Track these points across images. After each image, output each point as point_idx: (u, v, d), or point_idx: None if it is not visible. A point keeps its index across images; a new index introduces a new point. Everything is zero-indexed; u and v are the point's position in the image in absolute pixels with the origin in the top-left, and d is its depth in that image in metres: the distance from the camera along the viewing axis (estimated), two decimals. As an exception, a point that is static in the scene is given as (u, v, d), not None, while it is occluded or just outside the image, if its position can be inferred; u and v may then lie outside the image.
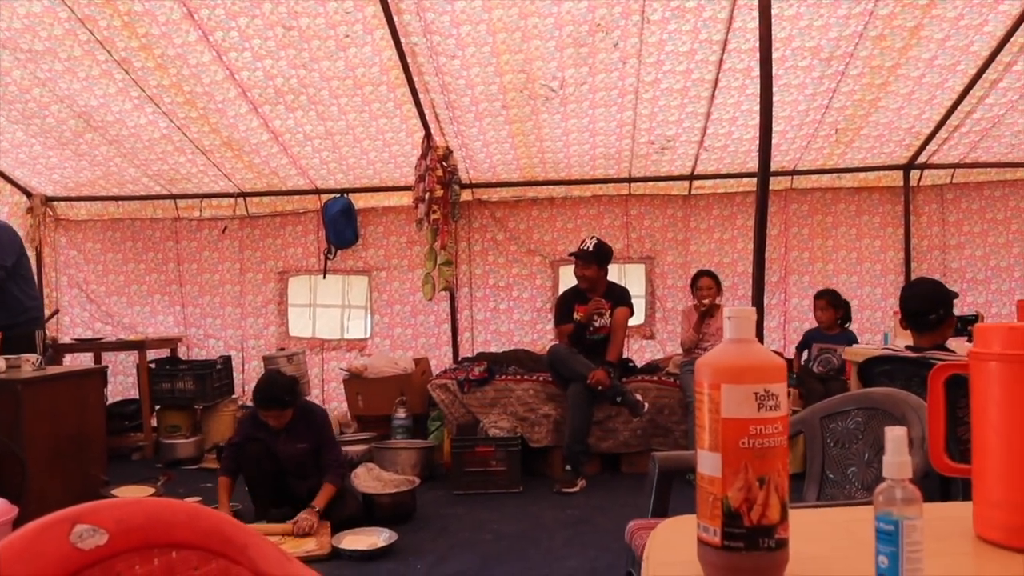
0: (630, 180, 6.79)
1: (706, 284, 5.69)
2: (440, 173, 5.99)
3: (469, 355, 6.76)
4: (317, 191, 6.91)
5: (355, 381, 6.13)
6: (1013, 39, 4.92)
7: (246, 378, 7.00)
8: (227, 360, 6.75)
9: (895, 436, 0.74)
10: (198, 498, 4.48)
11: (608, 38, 4.92)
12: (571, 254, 5.50)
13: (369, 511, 4.23)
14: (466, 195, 6.83)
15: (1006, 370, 0.92)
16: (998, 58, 5.11)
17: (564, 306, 5.65)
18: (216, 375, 6.40)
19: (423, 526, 4.23)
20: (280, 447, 4.16)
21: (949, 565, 0.90)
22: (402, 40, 4.89)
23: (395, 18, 4.70)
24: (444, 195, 6.11)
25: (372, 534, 3.90)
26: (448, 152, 6.11)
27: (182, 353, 7.07)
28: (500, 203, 7.04)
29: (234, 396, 6.65)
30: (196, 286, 7.25)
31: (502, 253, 7.04)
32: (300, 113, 5.69)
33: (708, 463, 0.82)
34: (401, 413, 5.82)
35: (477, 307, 7.06)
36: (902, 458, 0.74)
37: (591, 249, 5.39)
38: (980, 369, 0.95)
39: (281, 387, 4.14)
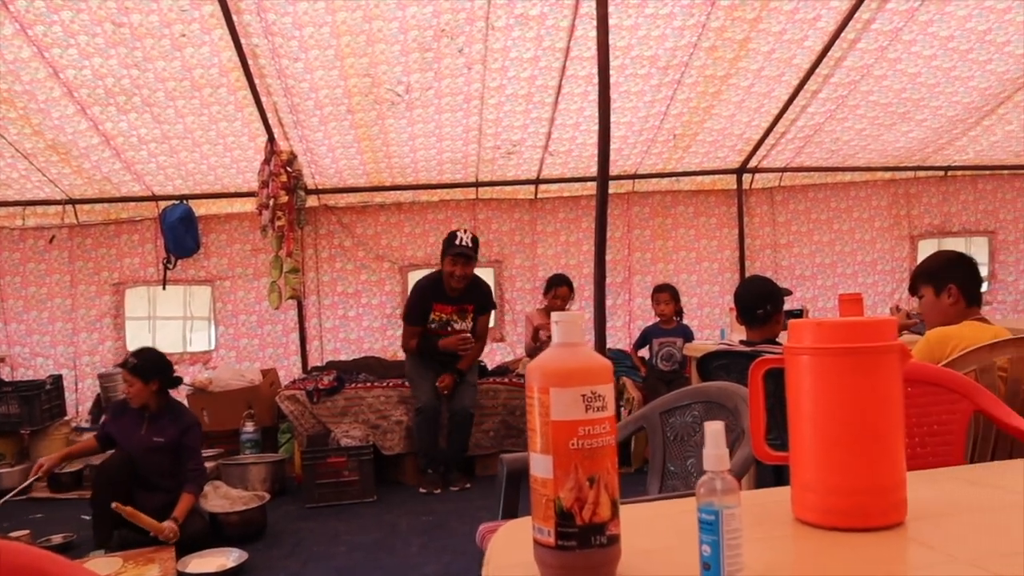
0: (477, 184, 6.85)
1: (563, 294, 5.86)
2: (284, 178, 5.83)
3: (319, 364, 6.62)
4: (154, 197, 6.58)
5: (200, 396, 5.88)
6: (830, 53, 5.28)
7: (80, 398, 6.60)
8: (57, 380, 6.31)
9: (713, 431, 0.78)
10: (26, 531, 4.18)
11: (453, 43, 4.94)
12: (451, 253, 5.04)
13: (217, 531, 4.06)
14: (312, 201, 6.68)
15: (815, 363, 0.99)
16: (817, 71, 5.47)
17: (420, 303, 5.24)
18: (45, 396, 5.98)
19: (275, 543, 4.11)
20: (139, 436, 4.05)
21: (769, 548, 0.95)
22: (242, 41, 4.74)
23: (235, 18, 4.54)
24: (289, 201, 5.95)
25: (220, 555, 3.75)
26: (292, 157, 5.96)
27: (5, 374, 6.54)
28: (347, 209, 6.94)
29: (66, 418, 6.23)
30: (20, 301, 6.74)
31: (350, 259, 6.94)
32: (134, 115, 5.40)
33: (540, 465, 0.83)
34: (249, 427, 5.63)
35: (326, 315, 6.93)
36: (720, 451, 0.78)
37: (470, 245, 5.07)
38: (794, 362, 1.01)
39: (142, 354, 4.16)
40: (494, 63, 5.16)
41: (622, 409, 5.59)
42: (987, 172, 7.42)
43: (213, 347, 6.90)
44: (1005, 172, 7.44)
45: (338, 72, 5.09)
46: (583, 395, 0.81)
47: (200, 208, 6.65)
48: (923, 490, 1.14)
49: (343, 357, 6.72)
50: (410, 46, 4.91)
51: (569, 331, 0.84)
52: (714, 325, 6.90)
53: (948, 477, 1.28)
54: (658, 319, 6.02)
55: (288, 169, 5.89)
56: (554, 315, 0.85)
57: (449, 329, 5.22)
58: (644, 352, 6.04)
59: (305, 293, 6.74)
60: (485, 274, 6.98)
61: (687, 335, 5.79)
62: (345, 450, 4.99)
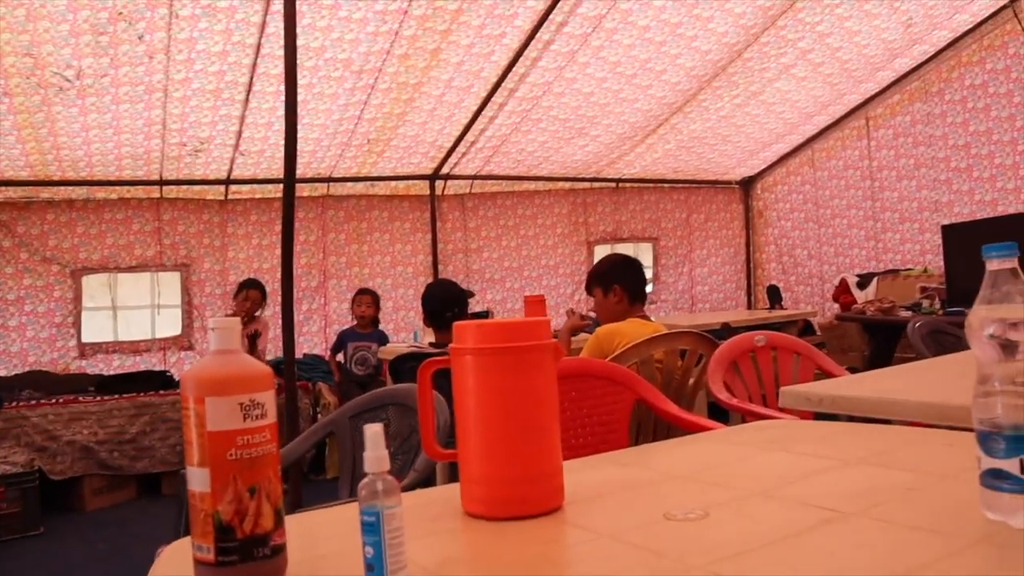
0: (161, 183, 6.40)
1: (254, 296, 5.68)
2: (-77, 169, 5.07)
3: (-29, 381, 5.83)
4: None
5: None
6: (515, 69, 5.59)
7: None
8: None
9: (372, 433, 0.79)
10: None
11: (132, 29, 4.58)
12: None
13: None
14: (-40, 196, 5.87)
15: (477, 362, 1.04)
16: (503, 84, 5.77)
17: None
18: None
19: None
20: None
21: (439, 542, 0.98)
22: None
23: None
24: (-71, 195, 5.18)
25: None
26: (-67, 145, 5.19)
27: None
28: (6, 204, 6.16)
29: None
30: None
31: (10, 262, 6.16)
32: None
33: (197, 479, 0.80)
34: None
35: (-21, 325, 6.11)
36: (380, 452, 0.79)
37: None
38: (459, 363, 1.06)
39: None
40: (179, 54, 4.85)
41: (319, 415, 5.52)
42: (651, 185, 8.28)
43: None
44: (665, 185, 8.35)
45: (-10, 50, 4.52)
46: (241, 403, 0.79)
47: None
48: (583, 475, 1.24)
49: (3, 373, 5.96)
50: (81, 27, 4.48)
51: (225, 337, 0.82)
52: (408, 328, 7.02)
53: (605, 461, 1.41)
54: (355, 323, 6.02)
55: (-73, 159, 5.13)
56: (210, 321, 0.82)
57: None
58: (342, 356, 6.02)
59: (-49, 301, 5.90)
60: (170, 278, 6.56)
61: (382, 339, 5.86)
62: (3, 478, 4.44)
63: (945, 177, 6.63)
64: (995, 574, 0.76)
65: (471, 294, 3.72)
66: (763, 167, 8.37)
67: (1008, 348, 0.84)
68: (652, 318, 3.31)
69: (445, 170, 7.11)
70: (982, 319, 0.86)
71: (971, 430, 0.89)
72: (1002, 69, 6.12)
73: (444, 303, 3.47)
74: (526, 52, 5.41)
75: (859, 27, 5.84)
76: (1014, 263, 0.87)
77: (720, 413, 3.38)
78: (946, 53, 6.45)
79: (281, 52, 4.94)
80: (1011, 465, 0.83)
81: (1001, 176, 6.20)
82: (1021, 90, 5.92)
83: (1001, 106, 6.16)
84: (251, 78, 5.21)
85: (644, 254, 8.19)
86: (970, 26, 6.17)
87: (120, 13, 4.44)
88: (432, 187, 7.28)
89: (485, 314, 5.21)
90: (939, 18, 5.94)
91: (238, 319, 0.84)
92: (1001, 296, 0.87)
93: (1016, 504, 0.83)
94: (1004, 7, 5.54)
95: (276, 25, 4.74)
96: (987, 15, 6.01)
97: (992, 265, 0.88)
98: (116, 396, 5.32)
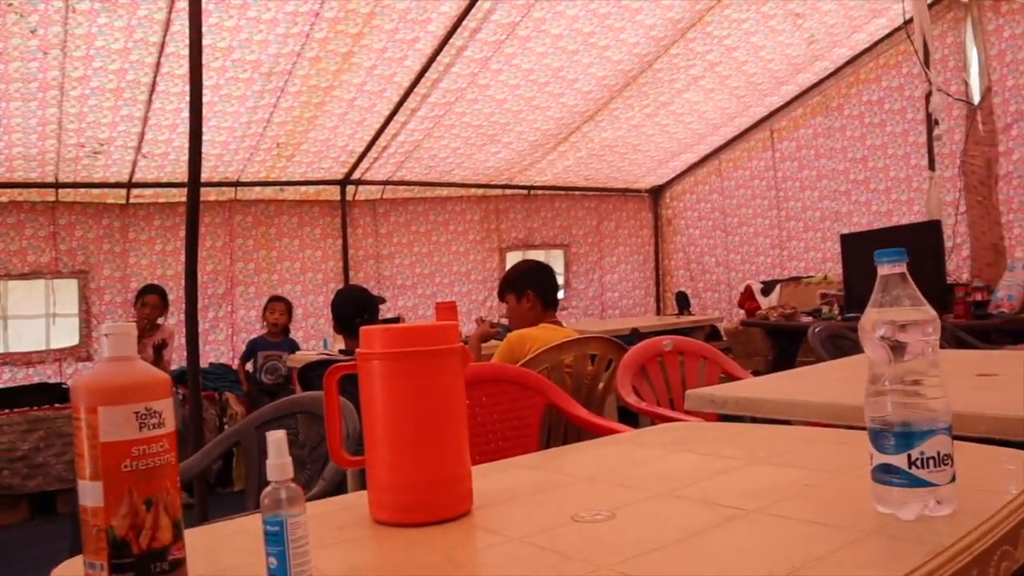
0: (57, 186, 6.13)
1: (152, 301, 5.50)
2: None
3: None
4: None
5: None
6: (427, 75, 5.58)
7: None
8: None
9: (275, 440, 0.78)
10: None
11: (24, 22, 4.38)
12: None
13: None
14: None
15: (384, 367, 1.03)
16: (416, 90, 5.74)
17: None
18: None
19: None
20: None
21: (344, 550, 0.97)
22: None
23: None
24: None
25: None
26: None
27: None
28: None
29: None
30: None
31: None
32: None
33: (89, 493, 0.76)
34: None
35: None
36: (283, 460, 0.77)
37: None
38: (366, 368, 1.04)
39: None
40: (76, 50, 4.67)
41: (226, 425, 5.39)
42: (562, 192, 8.37)
43: None
44: (576, 193, 8.46)
45: None
46: (136, 412, 0.76)
47: None
48: (492, 479, 1.25)
49: None
50: (-34, 20, 4.27)
51: (119, 344, 0.78)
52: (319, 335, 6.91)
53: (515, 465, 1.41)
54: (265, 331, 5.90)
55: None
56: (103, 327, 0.78)
57: None
58: (251, 365, 5.89)
59: None
60: (67, 286, 6.30)
61: (293, 348, 5.77)
62: None
63: (844, 188, 6.91)
64: (886, 563, 0.79)
65: (382, 300, 3.69)
66: (672, 176, 8.56)
67: (897, 349, 0.88)
68: (563, 324, 3.35)
69: (356, 175, 7.04)
70: (873, 321, 0.90)
71: (865, 429, 0.92)
72: (896, 87, 6.42)
73: (354, 309, 3.43)
74: (439, 58, 5.40)
75: (764, 42, 6.04)
76: (903, 268, 0.91)
77: (629, 416, 3.43)
78: (846, 70, 6.73)
79: (186, 51, 4.81)
80: (900, 460, 0.86)
81: (895, 188, 6.50)
82: (913, 107, 6.21)
83: (895, 122, 6.46)
84: (155, 78, 5.05)
85: (555, 261, 8.26)
86: (867, 45, 6.46)
87: (10, 4, 4.24)
88: (343, 192, 7.19)
89: (396, 320, 5.19)
90: (839, 36, 6.19)
91: (133, 324, 0.81)
92: (891, 300, 0.90)
93: (905, 497, 0.86)
94: (898, 28, 5.80)
95: (181, 23, 4.61)
96: (883, 35, 6.30)
97: (883, 270, 0.92)
98: (6, 411, 5.08)
